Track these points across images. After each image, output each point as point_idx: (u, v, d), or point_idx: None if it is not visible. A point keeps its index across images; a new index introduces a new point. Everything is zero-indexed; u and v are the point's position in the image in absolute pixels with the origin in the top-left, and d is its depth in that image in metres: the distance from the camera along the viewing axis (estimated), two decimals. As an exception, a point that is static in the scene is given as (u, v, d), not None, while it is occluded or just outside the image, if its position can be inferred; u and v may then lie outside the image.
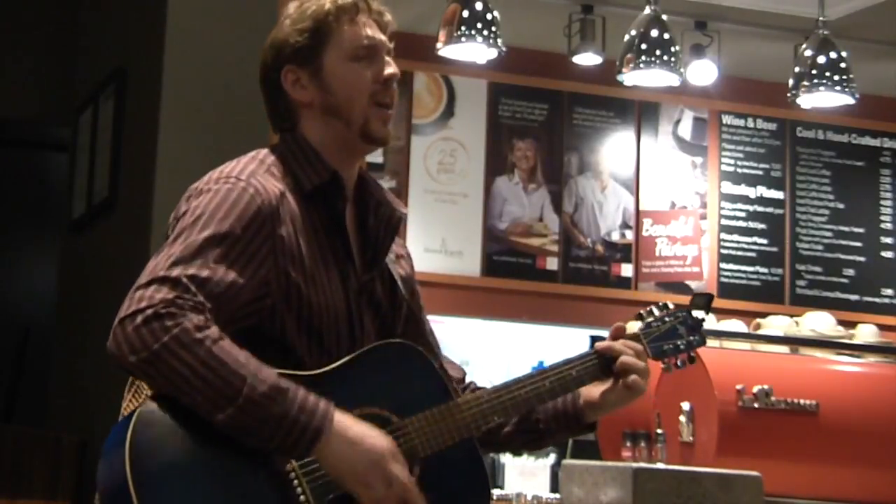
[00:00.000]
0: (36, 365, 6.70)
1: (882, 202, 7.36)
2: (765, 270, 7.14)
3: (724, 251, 7.10)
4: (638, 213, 7.00)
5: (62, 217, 5.96)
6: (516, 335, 6.57)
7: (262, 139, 2.93)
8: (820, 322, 5.41)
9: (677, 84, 5.83)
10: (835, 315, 5.66)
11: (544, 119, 6.95)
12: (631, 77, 5.67)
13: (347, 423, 2.09)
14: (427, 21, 6.00)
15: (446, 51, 5.55)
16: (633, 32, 5.57)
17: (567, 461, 3.35)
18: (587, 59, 6.34)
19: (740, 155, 7.20)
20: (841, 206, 7.29)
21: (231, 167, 2.27)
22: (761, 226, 7.17)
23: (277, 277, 2.18)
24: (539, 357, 5.27)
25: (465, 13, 5.41)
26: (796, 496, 3.55)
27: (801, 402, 3.60)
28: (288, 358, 2.19)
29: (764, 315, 5.92)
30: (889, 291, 7.27)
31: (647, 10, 5.59)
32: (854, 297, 7.21)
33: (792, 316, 5.73)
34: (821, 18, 5.73)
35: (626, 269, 6.93)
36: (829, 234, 7.25)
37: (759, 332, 5.31)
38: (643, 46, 5.53)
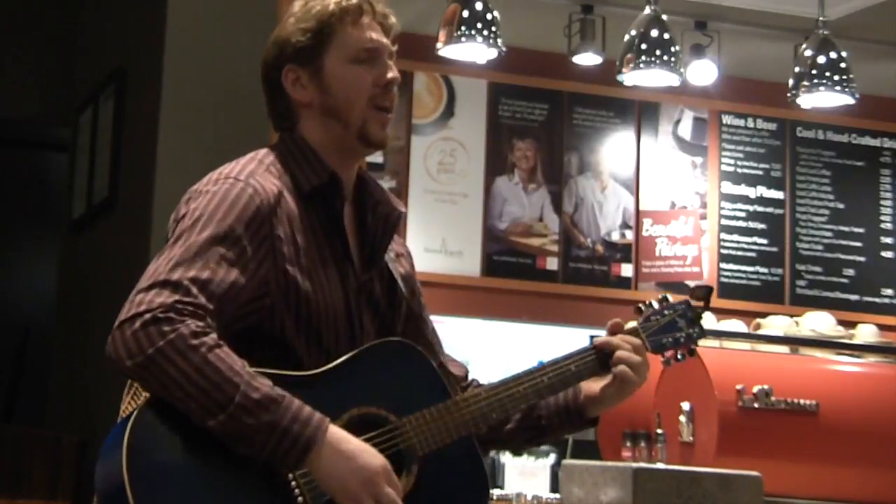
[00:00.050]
0: (36, 365, 6.70)
1: (882, 202, 7.36)
2: (765, 270, 7.14)
3: (724, 251, 7.10)
4: (638, 213, 7.00)
5: (62, 217, 5.96)
6: (516, 335, 6.57)
7: (262, 139, 2.93)
8: (820, 322, 5.41)
9: (677, 84, 5.83)
10: (835, 315, 5.67)
11: (544, 119, 6.95)
12: (631, 77, 5.66)
13: (342, 438, 2.09)
14: (427, 21, 6.00)
15: (446, 51, 5.55)
16: (633, 32, 5.57)
17: (567, 461, 3.35)
18: (587, 59, 6.34)
19: (740, 155, 7.20)
20: (841, 206, 7.29)
21: (230, 168, 2.27)
22: (761, 226, 7.17)
23: (276, 277, 2.18)
24: (539, 357, 5.26)
25: (465, 13, 5.41)
26: (796, 496, 3.55)
27: (801, 402, 3.60)
28: (287, 357, 2.19)
29: (764, 315, 5.92)
30: (889, 291, 7.27)
31: (647, 10, 5.59)
32: (854, 297, 7.21)
33: (792, 316, 5.73)
34: (821, 18, 5.73)
35: (626, 269, 6.93)
36: (829, 234, 7.25)
37: (759, 332, 5.31)
38: (643, 46, 5.52)
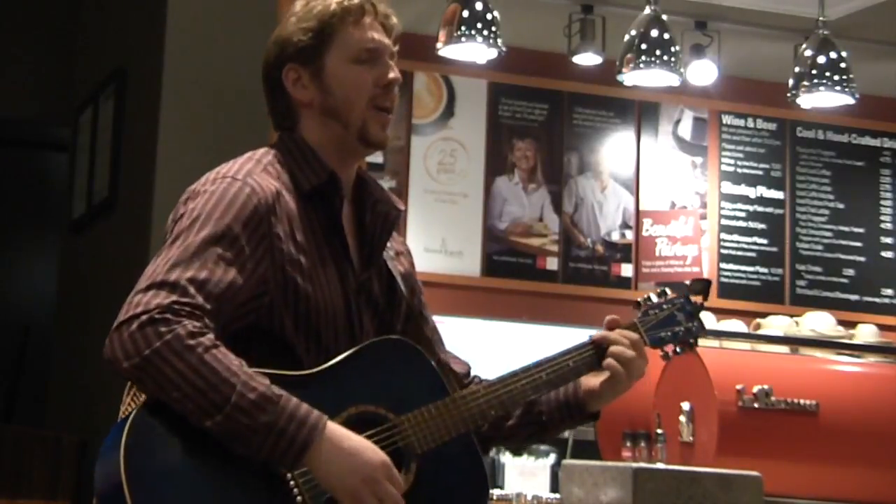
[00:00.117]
0: (36, 365, 6.70)
1: (882, 202, 7.36)
2: (765, 270, 7.14)
3: (724, 251, 7.10)
4: (638, 213, 7.00)
5: (62, 217, 5.96)
6: (516, 335, 6.56)
7: (262, 139, 2.93)
8: (820, 322, 5.42)
9: (677, 84, 5.83)
10: (835, 315, 5.68)
11: (544, 119, 6.95)
12: (631, 77, 5.66)
13: (341, 435, 2.09)
14: (427, 21, 6.00)
15: (446, 51, 5.55)
16: (633, 32, 5.57)
17: (567, 461, 3.35)
18: (587, 59, 6.34)
19: (740, 155, 7.20)
20: (841, 206, 7.29)
21: (227, 167, 2.27)
22: (761, 226, 7.17)
23: (275, 276, 2.18)
24: (539, 357, 5.25)
25: (465, 13, 5.41)
26: (796, 496, 3.55)
27: (801, 402, 3.60)
28: (286, 357, 2.19)
29: (764, 315, 5.93)
30: (889, 291, 7.27)
31: (647, 10, 5.59)
32: (854, 297, 7.21)
33: (792, 316, 5.74)
34: (821, 18, 5.73)
35: (626, 269, 6.93)
36: (829, 234, 7.25)
37: (759, 332, 5.32)
38: (643, 46, 5.52)
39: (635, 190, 7.01)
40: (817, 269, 7.20)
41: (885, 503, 3.66)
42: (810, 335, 5.14)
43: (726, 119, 7.20)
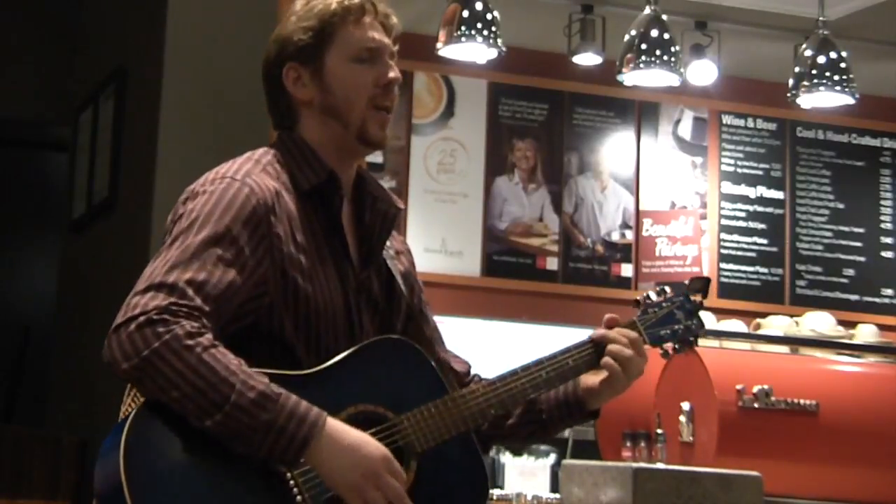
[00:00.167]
0: (36, 365, 6.70)
1: (882, 202, 7.36)
2: (765, 270, 7.13)
3: (724, 251, 7.10)
4: (638, 213, 7.00)
5: (62, 217, 5.96)
6: (516, 335, 6.56)
7: (262, 139, 2.93)
8: (820, 322, 5.42)
9: (677, 84, 5.83)
10: (835, 315, 5.67)
11: (544, 119, 6.95)
12: (631, 77, 5.67)
13: (342, 431, 2.09)
14: (427, 21, 6.00)
15: (446, 51, 5.55)
16: (633, 32, 5.57)
17: (567, 461, 3.35)
18: (587, 59, 6.33)
19: (740, 155, 7.20)
20: (841, 206, 7.29)
21: (226, 167, 2.27)
22: (761, 226, 7.17)
23: (275, 276, 2.18)
24: (538, 356, 5.24)
25: (465, 13, 5.41)
26: (796, 496, 3.55)
27: (801, 402, 3.60)
28: (285, 357, 2.19)
29: (764, 315, 5.93)
30: (889, 291, 7.27)
31: (647, 10, 5.59)
32: (854, 297, 7.21)
33: (792, 316, 5.73)
34: (821, 18, 5.73)
35: (626, 269, 6.93)
36: (829, 234, 7.25)
37: (759, 332, 5.32)
38: (643, 46, 5.53)
39: (635, 190, 7.01)
40: (817, 269, 7.20)
41: (885, 503, 3.66)
42: (810, 335, 5.14)
43: (726, 119, 7.20)
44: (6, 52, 6.42)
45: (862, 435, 3.67)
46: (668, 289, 2.45)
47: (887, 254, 7.31)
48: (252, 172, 2.25)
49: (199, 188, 2.23)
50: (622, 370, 2.34)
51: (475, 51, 5.57)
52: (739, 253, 7.12)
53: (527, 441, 2.54)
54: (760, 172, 7.21)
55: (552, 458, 5.27)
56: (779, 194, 7.22)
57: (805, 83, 5.67)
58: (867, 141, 7.38)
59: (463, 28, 5.40)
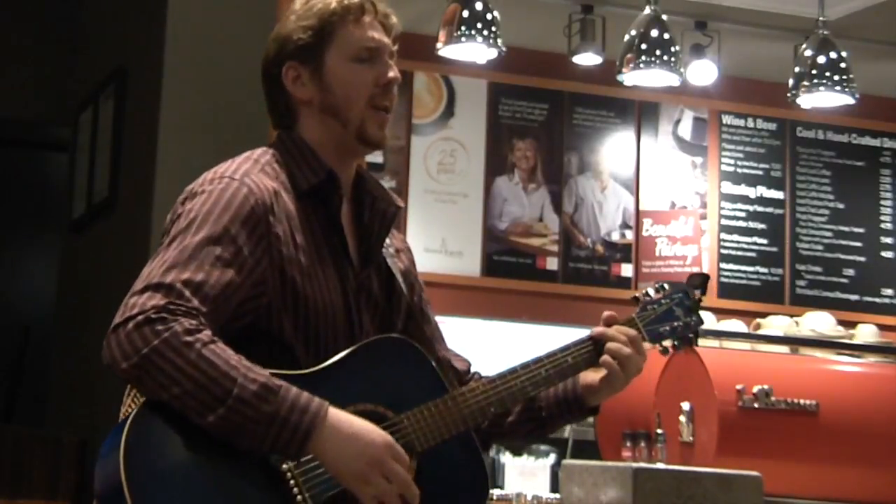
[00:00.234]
0: (36, 365, 6.70)
1: (882, 202, 7.36)
2: (765, 270, 7.13)
3: (724, 251, 7.10)
4: (638, 213, 7.00)
5: (62, 217, 5.96)
6: (516, 335, 6.56)
7: (262, 139, 2.93)
8: (820, 322, 5.42)
9: (677, 84, 5.83)
10: (835, 315, 5.67)
11: (544, 119, 6.95)
12: (631, 77, 5.67)
13: (344, 420, 2.09)
14: (427, 21, 6.00)
15: (446, 51, 5.55)
16: (633, 32, 5.57)
17: (567, 461, 3.35)
18: (587, 59, 6.33)
19: (740, 155, 7.20)
20: (841, 206, 7.29)
21: (225, 167, 2.27)
22: (761, 226, 7.17)
23: (273, 276, 2.18)
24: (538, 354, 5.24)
25: (465, 13, 5.41)
26: (796, 496, 3.55)
27: (801, 402, 3.60)
28: (285, 357, 2.19)
29: (764, 315, 5.93)
30: (889, 291, 7.27)
31: (647, 10, 5.59)
32: (854, 297, 7.21)
33: (792, 316, 5.73)
34: (821, 18, 5.73)
35: (626, 269, 6.93)
36: (829, 234, 7.25)
37: (759, 332, 5.31)
38: (643, 46, 5.53)
39: (635, 190, 7.01)
40: (817, 269, 7.20)
41: (885, 503, 3.66)
42: (810, 335, 5.14)
43: (726, 119, 7.20)
44: (6, 52, 6.42)
45: (862, 435, 3.67)
46: (666, 286, 2.45)
47: (887, 254, 7.31)
48: (251, 172, 2.25)
49: (198, 188, 2.23)
50: (621, 368, 2.34)
51: (475, 51, 5.57)
52: (739, 253, 7.12)
53: (526, 439, 2.53)
54: (760, 172, 7.21)
55: (552, 458, 5.27)
56: (779, 194, 7.22)
57: (805, 83, 5.67)
58: (867, 141, 7.38)
59: (463, 28, 5.40)
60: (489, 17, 5.42)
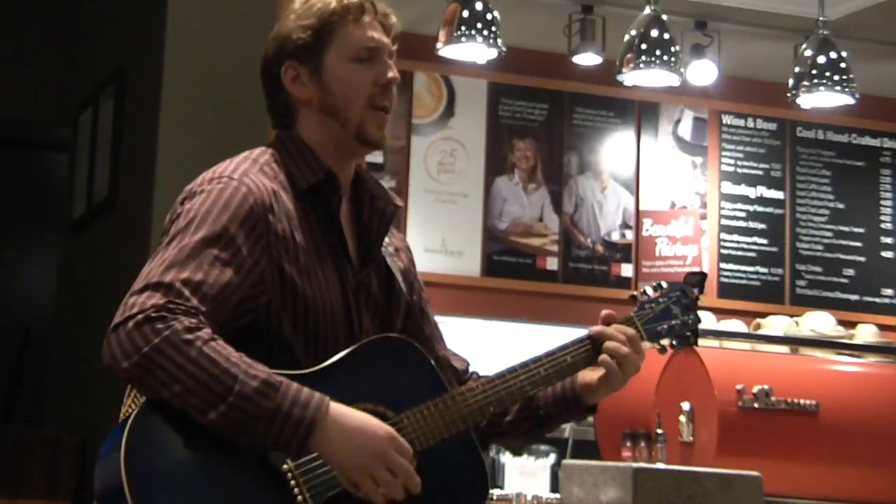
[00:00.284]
0: (36, 365, 6.70)
1: (882, 202, 7.36)
2: (765, 270, 7.13)
3: (724, 251, 7.10)
4: (638, 213, 7.00)
5: (62, 217, 5.96)
6: (516, 335, 6.56)
7: (261, 139, 2.93)
8: (820, 322, 5.42)
9: (677, 84, 5.83)
10: (835, 315, 5.67)
11: (544, 119, 6.95)
12: (631, 77, 5.67)
13: (345, 414, 2.09)
14: (427, 21, 6.00)
15: (446, 51, 5.55)
16: (633, 32, 5.57)
17: (567, 461, 3.35)
18: (587, 59, 6.33)
19: (740, 155, 7.20)
20: (841, 206, 7.29)
21: (224, 167, 2.27)
22: (761, 226, 7.17)
23: (272, 275, 2.18)
24: (537, 353, 5.24)
25: (465, 13, 5.41)
26: (796, 496, 3.55)
27: (801, 402, 3.60)
28: (284, 356, 2.19)
29: (764, 315, 5.93)
30: (889, 291, 7.27)
31: (647, 10, 5.59)
32: (854, 297, 7.21)
33: (792, 316, 5.73)
34: (821, 18, 5.73)
35: (626, 269, 6.93)
36: (829, 234, 7.25)
37: (759, 332, 5.31)
38: (643, 46, 5.53)
39: (635, 190, 7.01)
40: (817, 269, 7.20)
41: (885, 503, 3.66)
42: (810, 335, 5.14)
43: (726, 119, 7.20)
44: (6, 52, 6.42)
45: (862, 435, 3.67)
46: (664, 284, 2.45)
47: (887, 254, 7.31)
48: (249, 172, 2.25)
49: (197, 188, 2.23)
50: (619, 367, 2.34)
51: (475, 51, 5.57)
52: (739, 253, 7.12)
53: (523, 438, 2.53)
54: (760, 172, 7.21)
55: (552, 458, 5.27)
56: (779, 194, 7.22)
57: (805, 83, 5.67)
58: (867, 141, 7.38)
59: (463, 28, 5.40)
60: (489, 17, 5.42)
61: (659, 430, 3.63)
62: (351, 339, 2.24)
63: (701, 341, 2.51)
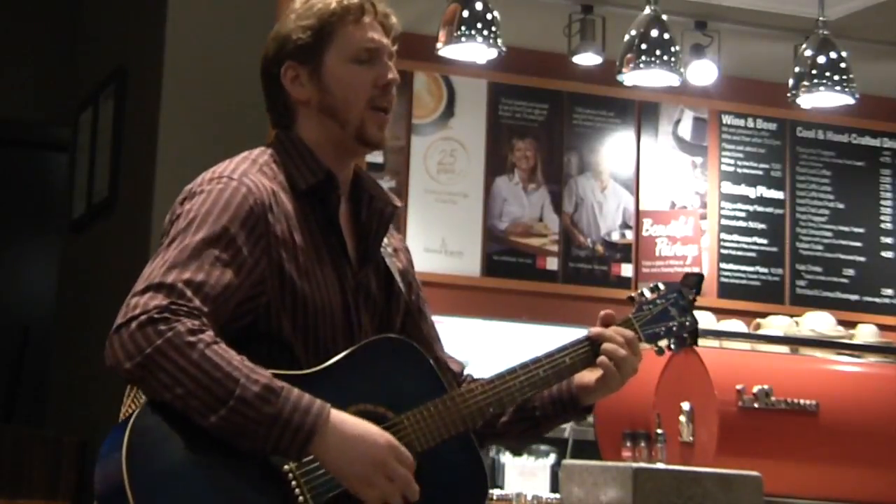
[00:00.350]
0: (36, 365, 6.70)
1: (882, 202, 7.36)
2: (765, 270, 7.13)
3: (724, 251, 7.10)
4: (638, 213, 7.00)
5: (62, 217, 5.96)
6: (516, 335, 6.56)
7: (261, 139, 2.93)
8: (820, 322, 5.42)
9: (677, 84, 5.83)
10: (835, 315, 5.67)
11: (544, 119, 6.95)
12: (631, 77, 5.67)
13: (346, 421, 2.09)
14: (427, 21, 6.00)
15: (446, 51, 5.55)
16: (633, 32, 5.57)
17: (567, 461, 3.35)
18: (587, 59, 6.33)
19: (740, 155, 7.20)
20: (841, 206, 7.29)
21: (223, 167, 2.27)
22: (761, 226, 7.17)
23: (272, 275, 2.18)
24: (536, 354, 5.23)
25: (465, 13, 5.41)
26: (796, 496, 3.55)
27: (801, 402, 3.60)
28: (284, 357, 2.18)
29: (764, 315, 5.92)
30: (889, 291, 7.27)
31: (647, 10, 5.59)
32: (854, 297, 7.21)
33: (792, 316, 5.73)
34: (821, 18, 5.73)
35: (626, 269, 6.93)
36: (829, 234, 7.25)
37: (759, 332, 5.31)
38: (643, 46, 5.53)
39: (635, 190, 7.01)
40: (817, 269, 7.20)
41: (885, 503, 3.66)
42: (810, 335, 5.13)
43: (726, 119, 7.20)
44: (6, 52, 6.42)
45: (862, 435, 3.67)
46: (661, 286, 2.45)
47: (887, 254, 7.31)
48: (249, 172, 2.25)
49: (196, 188, 2.23)
50: (617, 369, 2.34)
51: (475, 51, 5.57)
52: (739, 253, 7.12)
53: (519, 439, 2.53)
54: (760, 172, 7.21)
55: (552, 458, 5.27)
56: (779, 194, 7.22)
57: (805, 83, 5.67)
58: (867, 141, 7.38)
59: (463, 28, 5.40)
60: (489, 17, 5.42)
61: (659, 431, 3.63)
62: (350, 340, 2.24)
63: (701, 341, 2.50)
